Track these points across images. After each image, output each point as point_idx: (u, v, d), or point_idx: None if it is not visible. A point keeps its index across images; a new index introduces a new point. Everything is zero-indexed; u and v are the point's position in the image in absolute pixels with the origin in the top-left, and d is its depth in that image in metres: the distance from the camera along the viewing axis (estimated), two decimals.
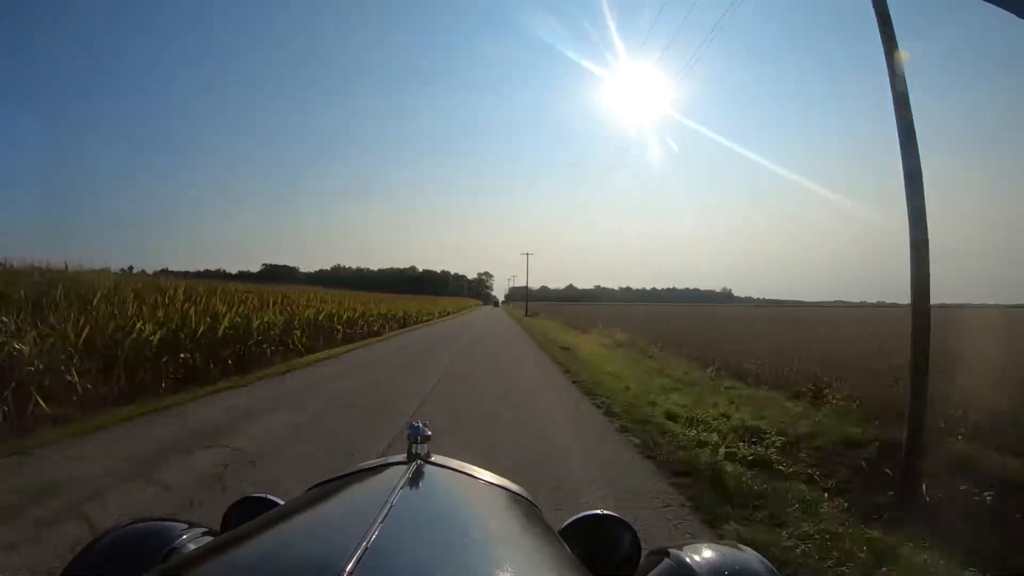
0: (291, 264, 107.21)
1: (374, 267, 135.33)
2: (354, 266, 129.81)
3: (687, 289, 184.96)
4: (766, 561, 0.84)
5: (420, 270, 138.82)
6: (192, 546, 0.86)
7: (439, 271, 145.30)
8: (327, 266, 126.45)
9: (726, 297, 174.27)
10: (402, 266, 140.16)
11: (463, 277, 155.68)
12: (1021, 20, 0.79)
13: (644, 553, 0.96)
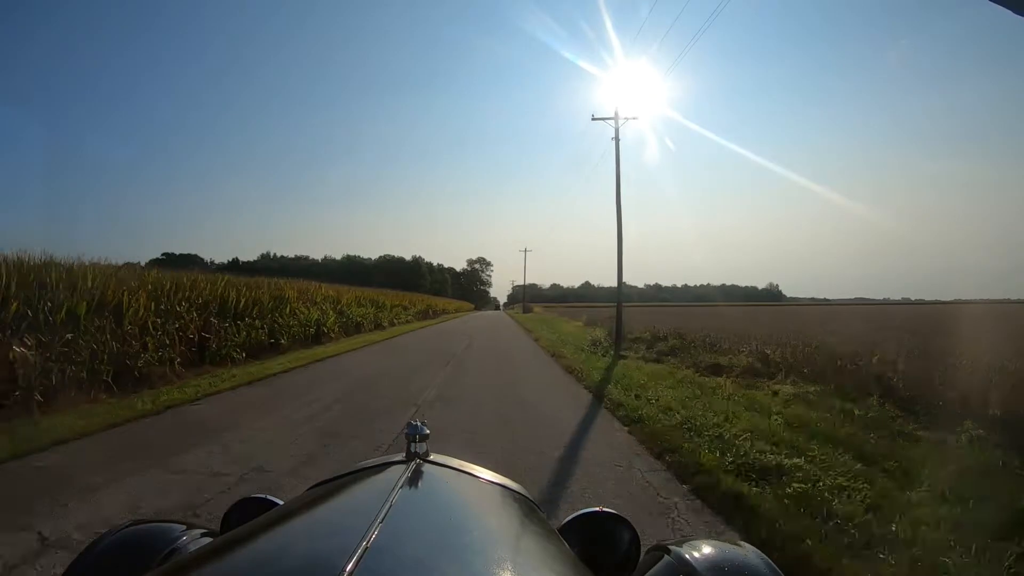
0: (193, 252, 71.19)
1: (318, 256, 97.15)
2: (292, 255, 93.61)
3: (723, 286, 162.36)
4: (766, 557, 0.83)
5: (385, 257, 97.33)
6: (192, 547, 0.87)
7: (409, 258, 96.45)
8: (253, 256, 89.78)
9: (773, 295, 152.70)
10: (371, 256, 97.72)
11: (449, 269, 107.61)
12: (1020, 17, 0.78)
13: (644, 550, 0.95)
